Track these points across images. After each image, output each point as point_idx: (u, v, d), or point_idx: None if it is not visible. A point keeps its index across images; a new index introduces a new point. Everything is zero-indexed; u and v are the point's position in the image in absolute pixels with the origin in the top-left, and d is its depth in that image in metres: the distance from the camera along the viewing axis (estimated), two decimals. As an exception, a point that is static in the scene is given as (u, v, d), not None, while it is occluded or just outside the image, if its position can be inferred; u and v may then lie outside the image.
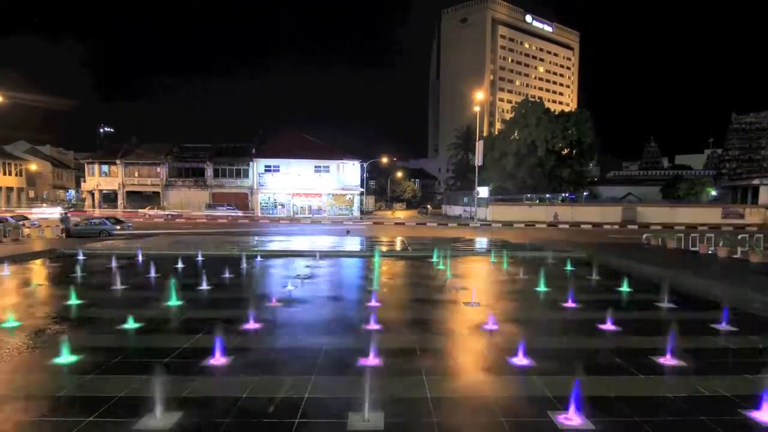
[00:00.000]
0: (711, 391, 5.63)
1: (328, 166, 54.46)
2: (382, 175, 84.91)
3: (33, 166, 69.28)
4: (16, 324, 8.15)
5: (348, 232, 31.82)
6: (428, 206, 71.97)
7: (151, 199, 53.57)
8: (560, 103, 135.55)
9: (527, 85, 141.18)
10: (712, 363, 6.62)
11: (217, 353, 6.47)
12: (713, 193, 69.45)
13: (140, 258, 16.74)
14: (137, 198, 54.17)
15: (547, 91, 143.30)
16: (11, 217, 31.13)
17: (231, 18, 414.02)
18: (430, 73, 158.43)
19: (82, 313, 9.24)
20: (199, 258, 16.79)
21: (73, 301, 9.86)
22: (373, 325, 8.13)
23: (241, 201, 53.35)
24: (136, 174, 54.79)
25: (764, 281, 12.46)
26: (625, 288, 11.75)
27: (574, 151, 60.00)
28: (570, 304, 10.00)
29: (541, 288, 11.69)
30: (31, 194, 68.65)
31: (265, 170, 54.07)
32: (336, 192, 54.56)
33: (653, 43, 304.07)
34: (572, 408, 4.87)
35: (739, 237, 20.86)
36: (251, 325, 8.15)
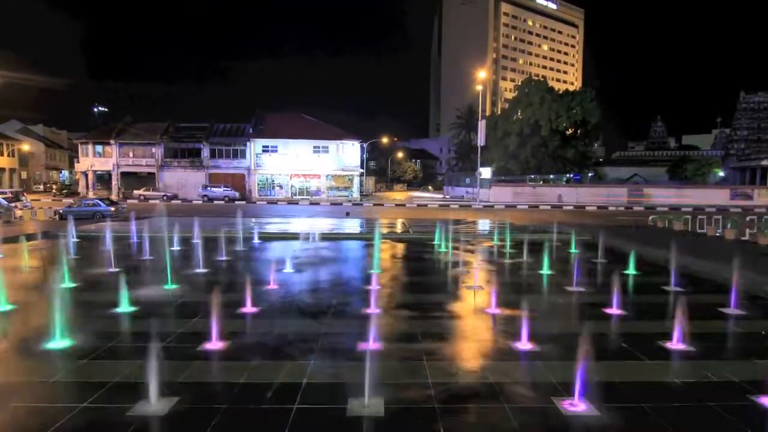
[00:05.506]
0: (719, 376, 5.52)
1: (327, 147, 53.26)
2: (382, 155, 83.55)
3: (25, 147, 67.93)
4: (9, 307, 8.08)
5: (348, 214, 31.15)
6: (429, 187, 71.06)
7: (146, 180, 52.50)
8: (564, 82, 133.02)
9: (531, 64, 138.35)
10: (719, 347, 6.51)
11: (214, 337, 6.34)
12: (721, 174, 68.34)
13: (135, 240, 16.36)
14: (132, 179, 53.08)
15: (551, 69, 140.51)
16: (3, 198, 30.26)
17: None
18: (432, 51, 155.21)
19: (76, 297, 9.06)
20: (196, 240, 16.23)
21: (67, 284, 9.72)
22: (373, 309, 7.99)
23: (238, 182, 52.28)
24: (131, 154, 53.54)
25: None
26: (630, 271, 11.48)
27: (578, 131, 58.84)
28: (574, 287, 9.84)
29: (545, 271, 11.55)
30: (24, 175, 67.55)
31: (263, 150, 52.90)
32: (335, 173, 53.50)
33: (660, 20, 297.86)
34: (577, 393, 4.77)
35: (747, 219, 20.64)
36: (248, 308, 8.01)
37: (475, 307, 8.63)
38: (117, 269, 11.42)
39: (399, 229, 21.84)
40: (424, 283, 10.73)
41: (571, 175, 56.94)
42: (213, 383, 5.30)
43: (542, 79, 64.15)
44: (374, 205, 44.12)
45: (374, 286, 9.15)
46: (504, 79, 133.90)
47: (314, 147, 53.03)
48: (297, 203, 45.99)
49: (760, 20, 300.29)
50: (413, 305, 8.62)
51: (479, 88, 48.28)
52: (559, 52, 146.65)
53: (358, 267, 13.23)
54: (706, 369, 5.71)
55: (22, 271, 11.65)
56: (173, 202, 44.45)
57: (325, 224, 23.19)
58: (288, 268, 11.73)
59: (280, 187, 53.22)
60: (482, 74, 50.32)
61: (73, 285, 9.79)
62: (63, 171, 77.73)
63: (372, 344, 6.19)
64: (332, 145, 53.29)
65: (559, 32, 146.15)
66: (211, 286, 6.51)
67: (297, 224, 23.25)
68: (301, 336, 6.90)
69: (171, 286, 9.71)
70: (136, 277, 10.75)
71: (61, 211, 26.15)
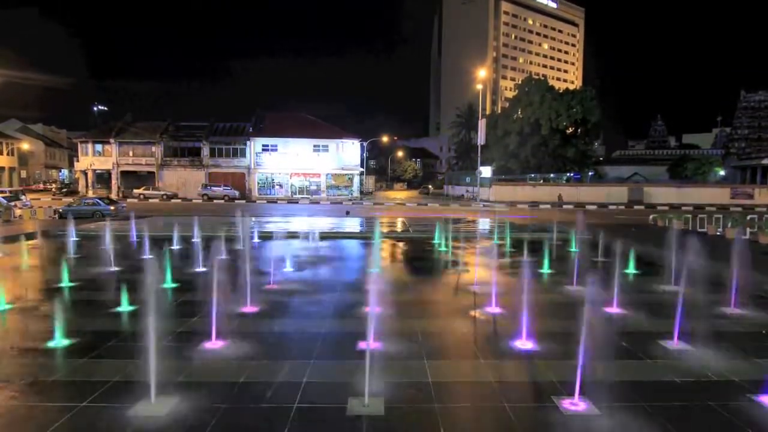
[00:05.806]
0: (718, 375, 5.55)
1: (327, 146, 53.19)
2: (382, 154, 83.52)
3: (25, 145, 67.85)
4: (7, 307, 8.08)
5: (348, 213, 31.17)
6: (429, 186, 70.95)
7: (145, 179, 52.45)
8: (565, 80, 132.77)
9: (531, 63, 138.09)
10: (720, 347, 6.50)
11: (214, 337, 6.36)
12: (721, 173, 68.26)
13: (134, 239, 16.34)
14: (132, 178, 53.03)
15: (552, 68, 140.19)
16: (2, 197, 30.25)
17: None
18: (432, 51, 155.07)
19: (76, 296, 9.13)
20: (195, 239, 16.26)
21: (66, 283, 9.74)
22: (373, 308, 7.73)
23: (238, 181, 52.25)
24: (131, 153, 53.45)
25: None
26: (630, 270, 11.53)
27: (578, 130, 58.69)
28: (574, 286, 9.86)
29: (545, 269, 11.63)
30: (23, 174, 67.47)
31: (263, 149, 52.83)
32: (335, 172, 53.44)
33: (660, 19, 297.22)
34: (577, 393, 4.77)
35: (748, 218, 20.66)
36: (248, 308, 8.03)
37: (475, 306, 8.62)
38: (116, 268, 11.41)
39: (399, 228, 21.85)
40: (424, 282, 10.72)
41: (572, 174, 56.85)
42: (212, 382, 5.28)
43: (542, 78, 63.99)
44: (374, 204, 44.10)
45: (374, 286, 9.12)
46: (504, 78, 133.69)
47: (314, 146, 52.96)
48: (297, 202, 45.96)
49: (760, 20, 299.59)
50: (413, 304, 8.62)
51: (479, 87, 48.24)
52: (559, 51, 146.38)
53: (358, 266, 13.22)
54: (707, 368, 5.72)
55: (21, 270, 11.62)
56: (173, 201, 44.42)
57: (325, 223, 23.19)
58: (288, 267, 11.72)
59: (280, 186, 53.16)
60: (482, 73, 50.26)
61: (71, 284, 9.79)
62: (63, 170, 77.66)
63: (372, 343, 6.17)
64: (332, 144, 53.23)
65: (560, 31, 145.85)
66: (210, 286, 6.51)
67: (297, 223, 23.25)
68: (301, 335, 6.89)
69: (170, 285, 9.69)
70: (135, 277, 10.73)
71: (60, 210, 26.16)
